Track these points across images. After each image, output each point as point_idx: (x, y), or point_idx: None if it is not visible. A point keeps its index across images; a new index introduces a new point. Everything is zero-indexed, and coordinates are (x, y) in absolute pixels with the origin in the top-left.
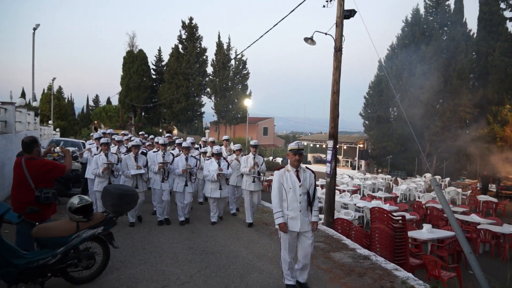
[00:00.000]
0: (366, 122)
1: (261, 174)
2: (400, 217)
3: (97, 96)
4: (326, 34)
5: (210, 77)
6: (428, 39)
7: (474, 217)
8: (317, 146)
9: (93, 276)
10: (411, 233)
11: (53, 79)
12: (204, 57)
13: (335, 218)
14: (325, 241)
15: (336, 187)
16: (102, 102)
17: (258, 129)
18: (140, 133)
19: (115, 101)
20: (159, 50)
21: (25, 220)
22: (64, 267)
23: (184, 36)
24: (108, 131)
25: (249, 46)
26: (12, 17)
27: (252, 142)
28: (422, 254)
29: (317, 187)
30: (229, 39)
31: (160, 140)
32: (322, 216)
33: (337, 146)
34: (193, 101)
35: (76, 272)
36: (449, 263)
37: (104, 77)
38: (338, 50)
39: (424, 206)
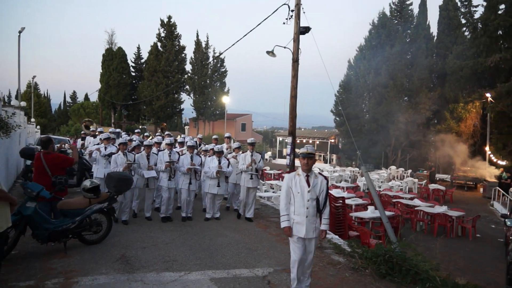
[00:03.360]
0: (337, 118)
1: (258, 171)
2: (340, 198)
3: (74, 93)
4: (285, 47)
5: (189, 74)
6: (393, 41)
7: (416, 201)
8: (297, 141)
9: (100, 239)
10: (358, 214)
11: (33, 77)
12: (183, 55)
13: None
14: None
15: None
16: (80, 98)
17: (236, 125)
18: (136, 131)
19: (93, 98)
20: (138, 48)
21: (55, 196)
22: (80, 231)
23: (163, 34)
24: (110, 129)
25: (225, 50)
26: None
27: (249, 140)
28: (358, 227)
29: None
30: (207, 38)
31: (167, 140)
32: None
33: (312, 142)
34: (172, 98)
35: (88, 235)
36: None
37: (81, 73)
38: (295, 61)
39: (380, 193)
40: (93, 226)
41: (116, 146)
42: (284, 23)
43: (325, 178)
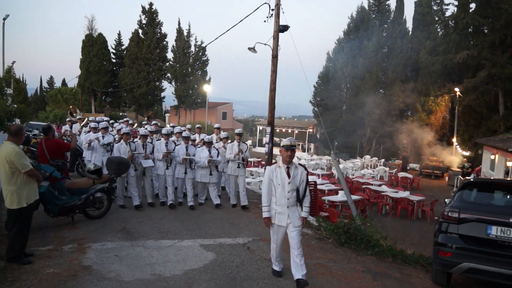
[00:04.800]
0: (315, 109)
1: (245, 160)
2: (313, 182)
3: (51, 78)
4: (265, 44)
5: (171, 62)
6: (371, 35)
7: (383, 188)
8: (277, 130)
9: (101, 214)
10: (330, 197)
11: (13, 63)
12: (164, 42)
13: None
14: (259, 198)
15: None
16: (57, 84)
17: (217, 113)
18: (125, 119)
19: (71, 84)
20: (119, 34)
21: (64, 176)
22: (85, 207)
23: (144, 21)
24: (97, 118)
25: (209, 43)
26: None
27: (237, 131)
28: (327, 209)
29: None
30: (189, 26)
31: (164, 130)
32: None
33: (291, 131)
34: (153, 86)
35: (91, 211)
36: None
37: (58, 58)
38: (274, 57)
39: (352, 180)
40: (96, 203)
41: (113, 135)
42: (265, 21)
43: (305, 168)
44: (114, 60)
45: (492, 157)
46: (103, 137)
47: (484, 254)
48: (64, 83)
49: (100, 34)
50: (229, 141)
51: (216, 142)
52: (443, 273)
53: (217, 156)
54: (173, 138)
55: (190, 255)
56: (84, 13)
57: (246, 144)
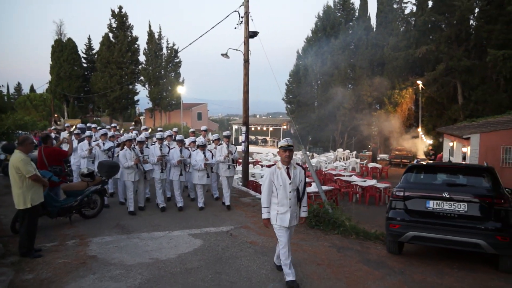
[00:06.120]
0: (288, 106)
1: (234, 161)
2: None
3: (19, 84)
4: (237, 50)
5: (143, 65)
6: (337, 32)
7: (353, 178)
8: (252, 128)
9: (95, 214)
10: None
11: None
12: (136, 45)
13: (248, 180)
14: (238, 193)
15: (259, 163)
16: (25, 90)
17: (192, 114)
18: (112, 125)
19: (40, 90)
20: (89, 39)
21: (62, 180)
22: (80, 208)
23: (114, 25)
24: (79, 125)
25: (181, 50)
26: None
27: (225, 133)
28: None
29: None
30: (160, 29)
31: (158, 135)
32: (239, 176)
33: (266, 129)
34: (127, 89)
35: (86, 211)
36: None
37: (25, 64)
38: (246, 61)
39: (325, 173)
40: (90, 204)
41: (113, 142)
42: (235, 28)
43: (303, 168)
44: (85, 65)
45: (451, 144)
46: (103, 143)
47: (424, 224)
48: (32, 89)
49: (70, 39)
50: (220, 142)
51: (209, 144)
52: (394, 242)
53: (212, 158)
54: (165, 142)
55: (181, 243)
56: (52, 18)
57: (235, 146)
